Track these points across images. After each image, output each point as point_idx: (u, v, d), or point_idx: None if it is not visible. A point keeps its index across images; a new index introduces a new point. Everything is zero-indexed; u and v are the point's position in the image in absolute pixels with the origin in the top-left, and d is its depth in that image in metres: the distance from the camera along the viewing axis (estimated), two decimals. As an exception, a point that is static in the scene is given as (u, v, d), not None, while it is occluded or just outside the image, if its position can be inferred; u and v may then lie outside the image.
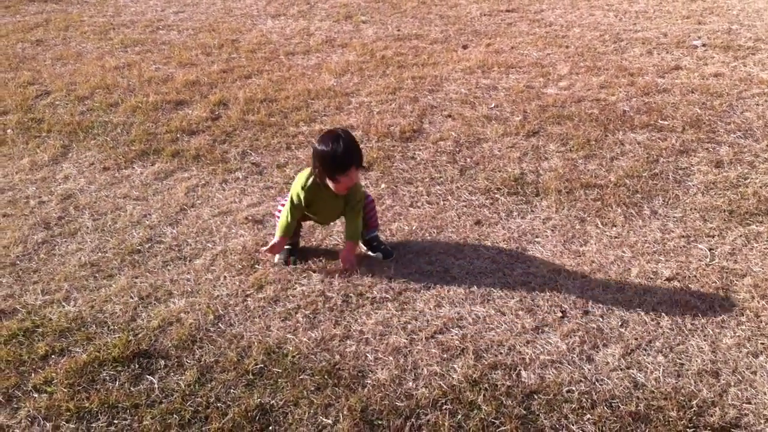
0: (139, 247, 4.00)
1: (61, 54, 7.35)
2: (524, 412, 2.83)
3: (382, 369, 3.07)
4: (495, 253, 3.86)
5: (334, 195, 3.65)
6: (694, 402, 2.85)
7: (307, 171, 3.69)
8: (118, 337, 3.29)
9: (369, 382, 3.00)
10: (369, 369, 3.08)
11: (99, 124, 5.59)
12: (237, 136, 5.31)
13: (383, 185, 4.56)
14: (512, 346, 3.18)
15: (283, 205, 3.78)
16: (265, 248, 3.78)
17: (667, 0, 8.58)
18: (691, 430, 2.73)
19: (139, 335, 3.31)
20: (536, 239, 3.97)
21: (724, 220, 4.05)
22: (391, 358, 3.13)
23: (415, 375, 3.04)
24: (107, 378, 3.07)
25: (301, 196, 3.65)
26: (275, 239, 3.73)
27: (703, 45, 6.91)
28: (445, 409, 2.86)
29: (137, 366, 3.13)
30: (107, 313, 3.48)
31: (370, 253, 3.88)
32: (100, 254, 3.96)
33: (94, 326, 3.39)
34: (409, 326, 3.33)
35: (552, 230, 4.04)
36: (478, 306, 3.44)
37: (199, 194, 4.53)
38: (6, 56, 7.32)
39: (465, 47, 7.17)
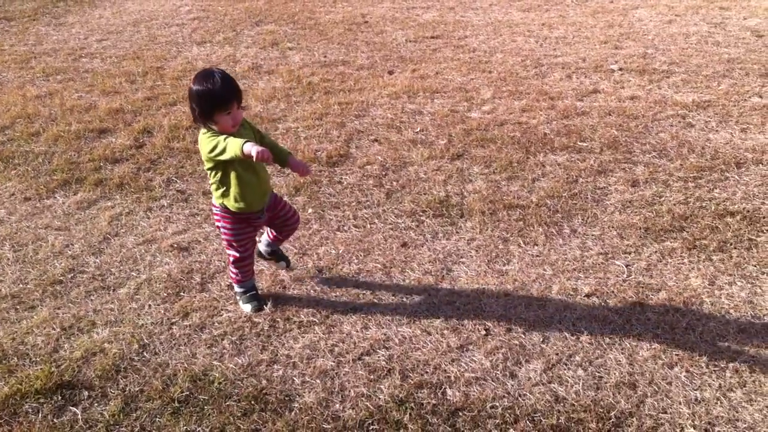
0: (61, 278, 3.94)
1: (-20, 83, 7.20)
2: (450, 429, 2.89)
3: (309, 392, 3.09)
4: (421, 275, 3.91)
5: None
6: (612, 413, 2.94)
7: (202, 133, 3.27)
8: (41, 368, 3.23)
9: (296, 405, 3.01)
10: (296, 393, 3.09)
11: (20, 154, 5.48)
12: (162, 164, 5.27)
13: (310, 210, 4.59)
14: (438, 364, 3.23)
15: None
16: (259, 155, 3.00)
17: (586, 26, 8.85)
18: (610, 440, 2.83)
19: (62, 366, 3.25)
20: (461, 260, 4.04)
21: (640, 237, 4.20)
22: (318, 381, 3.15)
23: (342, 397, 3.06)
24: (30, 410, 3.01)
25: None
26: (253, 150, 2.98)
27: (620, 69, 7.16)
28: (372, 429, 2.89)
29: (60, 397, 3.08)
30: (29, 344, 3.42)
31: (274, 264, 3.93)
32: (21, 286, 3.88)
33: (15, 358, 3.33)
34: (336, 349, 3.35)
35: (476, 250, 4.12)
36: (404, 327, 3.49)
37: (123, 223, 4.48)
38: None
39: (391, 73, 7.27)
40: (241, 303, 3.68)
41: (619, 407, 2.97)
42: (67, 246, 4.25)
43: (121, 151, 5.47)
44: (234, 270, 3.63)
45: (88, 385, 3.15)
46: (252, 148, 2.99)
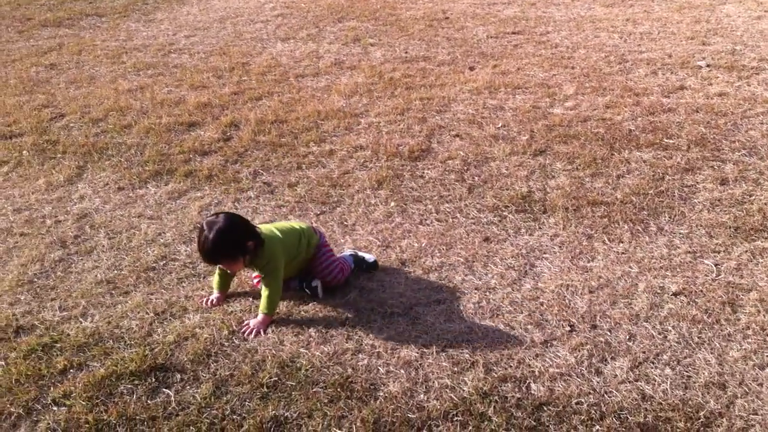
0: (154, 265, 4.08)
1: (75, 77, 7.47)
2: (534, 423, 2.89)
3: (394, 382, 3.13)
4: (504, 269, 3.92)
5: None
6: (701, 413, 2.90)
7: None
8: (135, 351, 3.36)
9: (381, 394, 3.06)
10: (381, 382, 3.14)
11: (113, 146, 5.69)
12: (248, 157, 5.40)
13: (393, 203, 4.63)
14: (522, 359, 3.23)
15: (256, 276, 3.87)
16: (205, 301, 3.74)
17: (671, 21, 8.67)
18: (699, 440, 2.79)
19: (156, 350, 3.37)
20: (544, 255, 4.03)
21: (730, 236, 4.11)
22: (402, 371, 3.19)
23: (426, 387, 3.09)
24: (125, 391, 3.13)
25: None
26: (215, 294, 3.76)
27: (708, 65, 6.99)
28: (456, 420, 2.91)
29: (154, 379, 3.20)
30: (124, 328, 3.55)
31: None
32: (116, 272, 4.04)
33: (111, 341, 3.46)
34: (420, 340, 3.39)
35: (560, 247, 4.10)
36: (487, 320, 3.51)
37: (212, 213, 4.61)
38: (20, 80, 7.45)
39: (472, 69, 7.26)
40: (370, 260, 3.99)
41: (709, 407, 2.93)
42: (159, 234, 4.39)
43: (209, 144, 5.62)
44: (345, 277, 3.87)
45: (181, 368, 3.26)
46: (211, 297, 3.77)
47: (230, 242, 3.41)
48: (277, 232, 3.66)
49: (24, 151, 5.65)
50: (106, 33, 9.43)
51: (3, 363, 3.33)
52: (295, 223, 3.89)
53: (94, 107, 6.52)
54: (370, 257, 3.99)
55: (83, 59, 8.21)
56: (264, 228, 3.68)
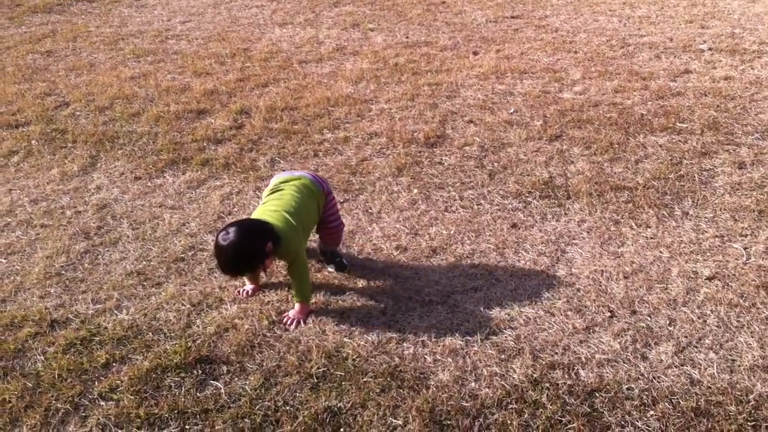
0: (182, 255, 4.04)
1: (74, 65, 7.35)
2: (588, 409, 2.91)
3: (443, 370, 3.13)
4: (536, 255, 3.93)
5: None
6: (750, 396, 2.94)
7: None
8: (177, 343, 3.33)
9: (432, 383, 3.07)
10: (430, 370, 3.14)
11: (124, 134, 5.61)
12: (263, 144, 5.35)
13: (415, 190, 4.62)
14: (566, 346, 3.25)
15: None
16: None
17: (668, 5, 8.70)
18: (752, 423, 2.83)
19: (198, 341, 3.35)
20: (573, 241, 4.05)
21: (755, 219, 4.15)
22: (449, 359, 3.20)
23: (476, 376, 3.10)
24: (172, 384, 3.11)
25: None
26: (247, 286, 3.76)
27: (710, 49, 7.03)
28: (511, 408, 2.93)
29: (200, 372, 3.18)
30: (161, 320, 3.52)
31: (329, 268, 3.90)
32: (144, 263, 4.00)
33: (150, 334, 3.43)
34: (462, 328, 3.40)
35: (588, 232, 4.12)
36: (526, 307, 3.52)
37: (234, 202, 4.57)
38: (18, 67, 7.31)
39: (476, 53, 7.24)
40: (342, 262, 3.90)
41: (757, 390, 2.97)
42: (184, 224, 4.35)
43: (221, 132, 5.57)
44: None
45: (226, 360, 3.24)
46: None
47: (249, 255, 3.25)
48: (291, 219, 3.40)
49: (33, 141, 5.56)
50: (98, 19, 9.29)
51: (42, 358, 3.30)
52: (299, 183, 3.64)
53: (98, 95, 6.43)
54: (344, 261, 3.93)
55: (79, 46, 8.08)
56: (274, 214, 3.42)
